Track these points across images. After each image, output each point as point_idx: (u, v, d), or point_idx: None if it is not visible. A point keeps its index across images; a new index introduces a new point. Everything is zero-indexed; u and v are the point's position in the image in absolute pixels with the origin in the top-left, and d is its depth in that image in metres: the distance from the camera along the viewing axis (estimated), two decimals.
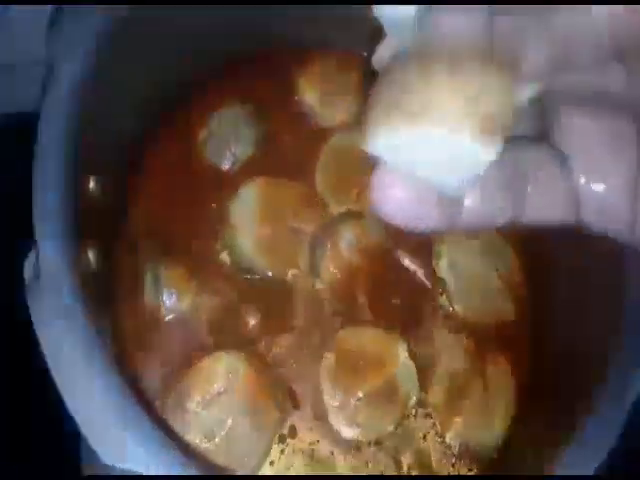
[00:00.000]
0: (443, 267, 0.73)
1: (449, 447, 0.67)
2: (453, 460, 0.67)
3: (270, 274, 0.71)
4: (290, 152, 0.76)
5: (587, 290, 0.65)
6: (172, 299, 0.68)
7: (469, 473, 0.67)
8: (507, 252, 0.75)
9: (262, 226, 0.71)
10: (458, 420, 0.68)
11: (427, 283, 0.73)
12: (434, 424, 0.68)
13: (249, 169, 0.74)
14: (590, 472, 0.50)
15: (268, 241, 0.71)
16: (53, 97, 0.54)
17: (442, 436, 0.68)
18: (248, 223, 0.71)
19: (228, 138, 0.75)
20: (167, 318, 0.68)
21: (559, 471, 0.51)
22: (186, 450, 0.56)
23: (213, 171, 0.74)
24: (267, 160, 0.75)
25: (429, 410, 0.68)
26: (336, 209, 0.74)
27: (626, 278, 0.58)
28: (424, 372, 0.69)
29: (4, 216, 0.74)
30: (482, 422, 0.67)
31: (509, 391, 0.69)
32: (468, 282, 0.73)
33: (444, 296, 0.73)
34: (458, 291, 0.72)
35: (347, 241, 0.72)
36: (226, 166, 0.74)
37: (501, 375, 0.69)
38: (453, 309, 0.72)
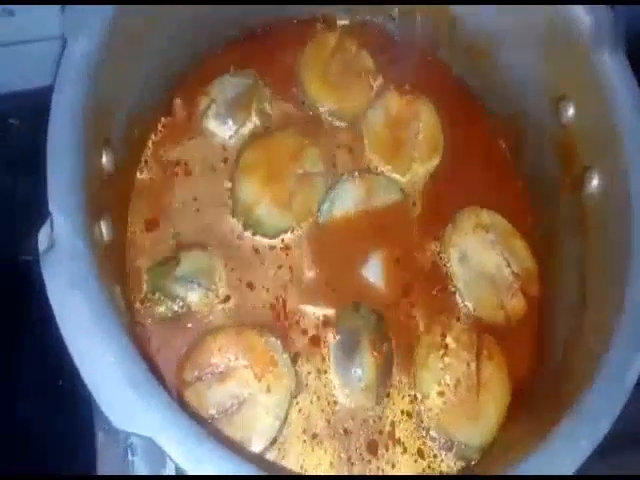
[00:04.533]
0: (453, 259, 0.73)
1: (433, 439, 0.67)
2: (435, 451, 0.67)
3: (292, 229, 0.73)
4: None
5: (591, 284, 0.65)
6: (192, 282, 0.68)
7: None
8: (519, 246, 0.75)
9: (270, 188, 0.72)
10: (445, 415, 0.67)
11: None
12: (419, 412, 0.68)
13: (250, 140, 0.75)
14: (588, 449, 0.51)
15: (281, 199, 0.72)
16: (65, 71, 0.56)
17: (426, 428, 0.67)
18: (257, 191, 0.72)
19: (232, 108, 0.76)
20: (188, 301, 0.68)
21: (555, 444, 0.52)
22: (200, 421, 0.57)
23: (218, 142, 0.75)
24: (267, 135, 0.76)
25: (416, 398, 0.68)
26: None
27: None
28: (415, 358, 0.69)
29: (22, 190, 0.76)
30: (469, 421, 0.67)
31: (503, 396, 0.68)
32: (478, 275, 0.73)
33: (453, 288, 0.73)
34: (468, 284, 0.73)
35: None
36: (228, 135, 0.75)
37: (497, 378, 0.68)
38: (462, 302, 0.73)
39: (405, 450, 0.67)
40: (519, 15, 0.71)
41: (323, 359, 0.69)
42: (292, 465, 0.65)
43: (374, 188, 0.75)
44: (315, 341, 0.69)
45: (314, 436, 0.66)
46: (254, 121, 0.76)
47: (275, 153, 0.74)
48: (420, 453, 0.67)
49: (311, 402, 0.67)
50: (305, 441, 0.66)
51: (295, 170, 0.74)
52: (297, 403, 0.67)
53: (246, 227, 0.72)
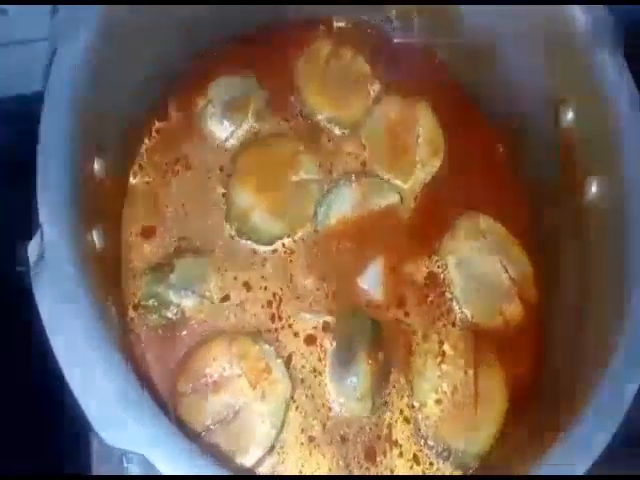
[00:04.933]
0: (450, 265, 0.73)
1: (430, 447, 0.67)
2: (432, 459, 0.67)
3: (288, 235, 0.72)
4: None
5: (590, 290, 0.65)
6: (187, 288, 0.68)
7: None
8: (517, 252, 0.74)
9: (265, 194, 0.71)
10: (442, 423, 0.66)
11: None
12: (416, 420, 0.67)
13: (246, 145, 0.75)
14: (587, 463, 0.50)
15: (276, 205, 0.71)
16: (57, 75, 0.55)
17: (424, 436, 0.67)
18: (251, 197, 0.71)
19: (228, 110, 0.75)
20: (182, 306, 0.68)
21: (552, 461, 0.51)
22: (195, 436, 0.57)
23: (215, 144, 0.75)
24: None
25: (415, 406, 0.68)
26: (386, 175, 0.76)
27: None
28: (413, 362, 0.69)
29: (15, 200, 0.74)
30: (467, 429, 0.66)
31: (501, 403, 0.68)
32: (475, 281, 0.72)
33: (450, 294, 0.72)
34: (465, 290, 0.72)
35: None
36: (224, 136, 0.75)
37: (494, 385, 0.68)
38: (460, 309, 0.72)
39: (401, 454, 0.66)
40: (518, 16, 0.70)
41: (319, 359, 0.68)
42: (291, 472, 0.65)
43: (371, 191, 0.74)
44: (310, 341, 0.69)
45: (311, 439, 0.66)
46: (251, 124, 0.76)
47: (270, 159, 0.73)
48: (415, 459, 0.67)
49: (306, 397, 0.67)
50: (303, 443, 0.66)
51: (290, 176, 0.73)
52: (294, 402, 0.66)
53: (240, 234, 0.71)
